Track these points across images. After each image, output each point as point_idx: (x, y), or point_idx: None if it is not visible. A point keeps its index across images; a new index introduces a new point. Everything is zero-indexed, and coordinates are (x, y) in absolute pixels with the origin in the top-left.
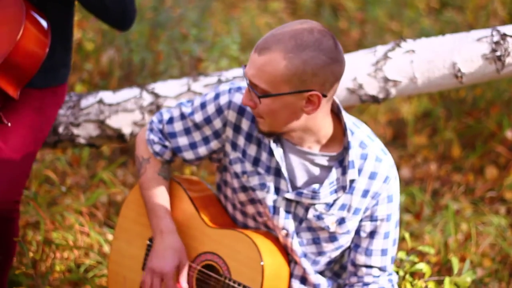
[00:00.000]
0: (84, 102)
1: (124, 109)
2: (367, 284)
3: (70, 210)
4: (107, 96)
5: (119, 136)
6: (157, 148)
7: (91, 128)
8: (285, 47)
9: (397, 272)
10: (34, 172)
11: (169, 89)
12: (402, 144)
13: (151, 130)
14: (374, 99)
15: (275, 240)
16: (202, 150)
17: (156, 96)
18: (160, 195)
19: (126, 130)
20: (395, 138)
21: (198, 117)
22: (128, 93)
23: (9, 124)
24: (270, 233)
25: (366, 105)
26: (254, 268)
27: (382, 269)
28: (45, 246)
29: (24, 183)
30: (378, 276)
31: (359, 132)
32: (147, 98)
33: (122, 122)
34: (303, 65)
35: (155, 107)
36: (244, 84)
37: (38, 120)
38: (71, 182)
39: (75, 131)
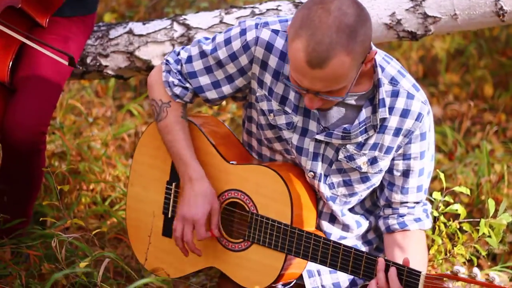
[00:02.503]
0: (113, 33)
1: (154, 40)
2: (402, 215)
3: (97, 141)
4: (137, 26)
5: (148, 68)
6: (178, 90)
7: (120, 59)
8: (341, 46)
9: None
10: (61, 102)
11: (201, 20)
12: (434, 81)
13: (169, 71)
14: (412, 36)
15: (302, 173)
16: (226, 89)
17: (188, 27)
18: (185, 140)
19: (156, 62)
20: (426, 75)
21: (222, 53)
22: (158, 24)
23: (81, 68)
24: (296, 166)
25: (399, 42)
26: (281, 201)
27: (417, 202)
28: (71, 177)
29: (51, 113)
30: (413, 207)
31: (390, 68)
32: (178, 30)
33: (152, 54)
34: (362, 45)
35: (186, 39)
36: (272, 19)
37: (66, 50)
38: (97, 112)
39: (103, 62)
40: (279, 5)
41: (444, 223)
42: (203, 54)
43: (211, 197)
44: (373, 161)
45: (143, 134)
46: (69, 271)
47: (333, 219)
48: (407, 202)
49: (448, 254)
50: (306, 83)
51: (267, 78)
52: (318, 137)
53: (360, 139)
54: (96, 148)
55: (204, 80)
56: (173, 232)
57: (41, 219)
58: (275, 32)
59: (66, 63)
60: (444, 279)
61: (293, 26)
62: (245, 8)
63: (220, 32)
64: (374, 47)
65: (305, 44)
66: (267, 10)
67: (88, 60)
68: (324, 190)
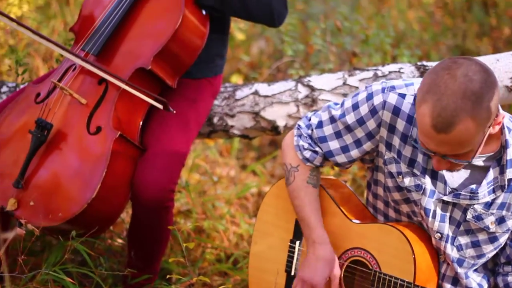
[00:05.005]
0: (239, 93)
1: (279, 101)
2: None
3: (221, 200)
4: (262, 88)
5: (273, 128)
6: (307, 154)
7: (246, 119)
8: (466, 112)
9: None
10: (186, 161)
11: (325, 82)
12: None
13: (300, 136)
14: None
15: (424, 234)
16: (355, 153)
17: (312, 89)
18: (311, 204)
19: (281, 123)
20: None
21: (350, 118)
22: (283, 86)
23: (174, 112)
24: (418, 227)
25: None
26: (405, 260)
27: None
28: (196, 234)
29: (179, 172)
30: None
31: None
32: (302, 91)
33: (277, 114)
34: (487, 111)
35: (311, 100)
36: (398, 82)
37: (194, 111)
38: (221, 172)
39: (230, 122)
40: (401, 68)
41: None
42: (332, 119)
43: (332, 263)
44: (501, 220)
45: (267, 194)
46: None
47: (455, 282)
48: None
49: None
50: (433, 146)
51: (396, 141)
52: (446, 198)
53: (488, 199)
54: (220, 206)
55: (334, 144)
56: None
57: (167, 276)
58: (402, 96)
59: (161, 107)
60: None
61: (420, 90)
62: (368, 70)
63: (348, 97)
64: (501, 111)
65: (431, 109)
66: (390, 72)
67: (215, 120)
68: (451, 252)
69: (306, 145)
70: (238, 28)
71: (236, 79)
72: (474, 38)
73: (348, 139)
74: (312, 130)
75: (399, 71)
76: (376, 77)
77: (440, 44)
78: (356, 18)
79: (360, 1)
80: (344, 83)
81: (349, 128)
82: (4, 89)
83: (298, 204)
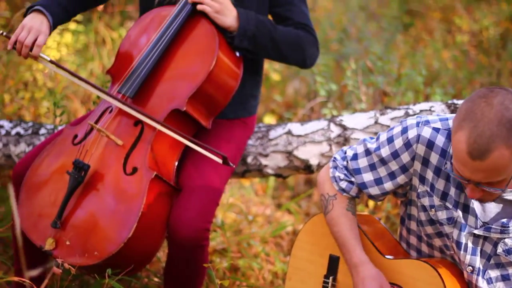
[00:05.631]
0: (272, 133)
1: (311, 140)
2: None
3: (256, 239)
4: (295, 127)
5: (306, 167)
6: (344, 184)
7: (279, 158)
8: (501, 139)
9: None
10: (222, 200)
11: (357, 121)
12: None
13: (335, 167)
14: None
15: (456, 269)
16: (388, 185)
17: (344, 128)
18: (350, 229)
19: (314, 161)
20: None
21: (385, 151)
22: (316, 125)
23: (234, 166)
24: (451, 263)
25: None
26: None
27: None
28: (231, 273)
29: (214, 211)
30: None
31: None
32: (335, 130)
33: (310, 153)
34: None
35: (343, 139)
36: (432, 117)
37: (228, 151)
38: (256, 211)
39: (264, 161)
40: (432, 106)
41: None
42: (367, 152)
43: (380, 278)
44: None
45: (301, 230)
46: None
47: None
48: None
49: None
50: (467, 173)
51: (429, 175)
52: (477, 232)
53: None
54: (255, 245)
55: (368, 176)
56: None
57: None
58: (436, 130)
59: (220, 161)
60: None
61: (457, 118)
62: (399, 109)
63: (384, 131)
64: None
65: (467, 136)
66: (421, 111)
67: (249, 159)
68: (482, 284)
69: (342, 176)
70: (273, 69)
71: (270, 119)
72: (509, 76)
73: (382, 171)
74: (347, 161)
75: (430, 110)
76: (407, 115)
77: (474, 82)
78: (389, 57)
79: (395, 40)
80: (376, 122)
81: (383, 161)
82: (43, 131)
83: (337, 230)
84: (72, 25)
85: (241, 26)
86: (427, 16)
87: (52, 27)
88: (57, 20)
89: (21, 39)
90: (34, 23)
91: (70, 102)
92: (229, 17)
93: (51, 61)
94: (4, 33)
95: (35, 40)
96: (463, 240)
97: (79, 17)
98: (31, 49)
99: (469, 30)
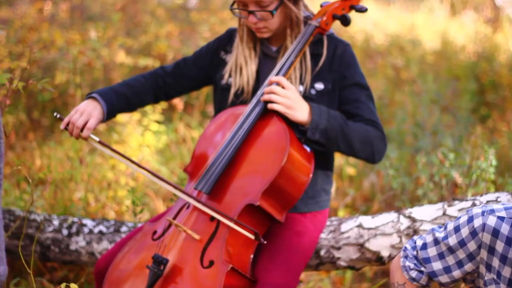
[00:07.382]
0: (344, 226)
1: (382, 232)
2: None
3: None
4: (366, 220)
5: (377, 258)
6: (413, 274)
7: (351, 251)
8: None
9: None
10: None
11: (425, 213)
12: None
13: (406, 257)
14: None
15: None
16: (457, 273)
17: (413, 220)
18: None
19: (385, 253)
20: None
21: (452, 240)
22: (386, 218)
23: (265, 242)
24: None
25: None
26: None
27: None
28: None
29: None
30: None
31: None
32: (404, 222)
33: (381, 245)
34: None
35: (412, 231)
36: (498, 206)
37: (301, 244)
38: None
39: (336, 254)
40: (498, 197)
41: None
42: (436, 241)
43: None
44: None
45: None
46: None
47: None
48: None
49: None
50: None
51: (495, 262)
52: None
53: None
54: None
55: (437, 265)
56: None
57: None
58: (501, 218)
59: (253, 237)
60: None
61: None
62: (466, 200)
63: (451, 221)
64: None
65: None
66: (487, 201)
67: (322, 252)
68: None
69: (412, 265)
70: (349, 163)
71: (344, 212)
72: None
73: (451, 260)
74: (417, 251)
75: (496, 200)
76: (474, 206)
77: None
78: (462, 149)
79: (468, 132)
80: (444, 214)
81: (451, 250)
82: (124, 228)
83: None
84: (153, 126)
85: (314, 120)
86: (505, 107)
87: (106, 114)
88: (112, 107)
89: (73, 121)
90: (87, 107)
91: (150, 200)
92: (300, 111)
93: (100, 142)
94: (58, 115)
95: (86, 122)
96: None
97: (160, 117)
98: (81, 130)
99: None
